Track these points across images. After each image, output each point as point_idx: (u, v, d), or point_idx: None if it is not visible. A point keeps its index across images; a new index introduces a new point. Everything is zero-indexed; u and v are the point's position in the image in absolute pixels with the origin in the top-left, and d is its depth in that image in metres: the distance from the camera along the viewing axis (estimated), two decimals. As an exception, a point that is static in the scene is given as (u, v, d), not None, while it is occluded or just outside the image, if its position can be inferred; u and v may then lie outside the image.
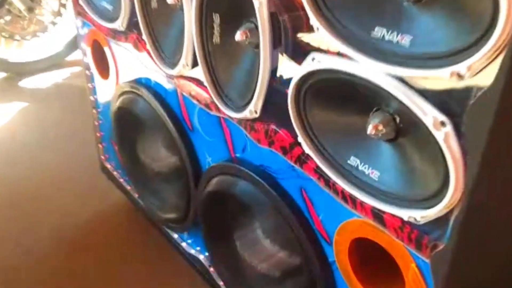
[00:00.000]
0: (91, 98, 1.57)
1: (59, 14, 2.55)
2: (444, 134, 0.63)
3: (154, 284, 1.42)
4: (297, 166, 0.90)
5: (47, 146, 2.02)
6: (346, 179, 0.81)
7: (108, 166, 1.65)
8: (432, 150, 0.66)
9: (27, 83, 2.49)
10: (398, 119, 0.72)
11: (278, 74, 0.87)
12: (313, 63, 0.75)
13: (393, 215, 0.76)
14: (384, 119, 0.72)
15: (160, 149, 1.33)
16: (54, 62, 2.56)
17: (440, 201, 0.67)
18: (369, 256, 0.90)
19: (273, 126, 0.92)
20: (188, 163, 1.18)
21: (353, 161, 0.80)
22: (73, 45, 2.48)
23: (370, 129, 0.73)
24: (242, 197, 1.02)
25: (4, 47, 2.49)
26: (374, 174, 0.77)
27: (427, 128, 0.64)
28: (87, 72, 1.53)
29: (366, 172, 0.78)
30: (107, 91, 1.45)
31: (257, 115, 0.92)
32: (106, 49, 1.36)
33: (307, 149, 0.85)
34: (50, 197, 1.75)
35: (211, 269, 1.30)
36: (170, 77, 1.13)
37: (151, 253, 1.53)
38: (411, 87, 0.66)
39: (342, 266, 0.90)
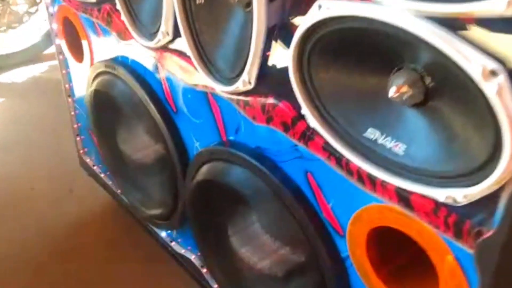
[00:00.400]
0: (66, 85, 1.42)
1: (34, 3, 2.39)
2: (496, 86, 0.48)
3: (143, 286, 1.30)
4: (301, 145, 0.75)
5: (25, 142, 1.87)
6: (363, 155, 0.67)
7: (88, 160, 1.50)
8: (477, 110, 0.52)
9: (3, 77, 2.33)
10: (427, 78, 0.58)
11: (275, 34, 0.72)
12: (320, 11, 0.61)
13: (424, 196, 0.61)
14: (409, 78, 0.58)
15: (142, 137, 1.18)
16: (32, 55, 2.39)
17: (489, 175, 0.53)
18: (392, 250, 0.76)
19: (271, 99, 0.77)
20: (173, 150, 1.04)
21: (371, 133, 0.65)
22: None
23: (392, 92, 0.59)
24: (237, 186, 0.88)
25: (-23, 40, 2.33)
26: (399, 148, 0.63)
27: (471, 81, 0.50)
28: (60, 56, 1.37)
29: (388, 146, 0.64)
30: (82, 76, 1.30)
31: (251, 86, 0.78)
32: (78, 26, 1.21)
33: (313, 122, 0.70)
34: (28, 196, 1.60)
35: (204, 270, 1.16)
36: (150, 51, 0.98)
37: (138, 254, 1.39)
38: (449, 29, 0.51)
39: (358, 263, 0.76)
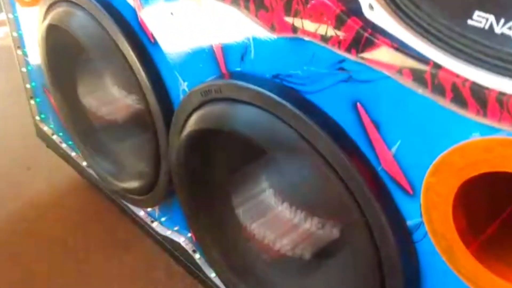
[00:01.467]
0: (14, 34, 1.14)
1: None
2: None
3: (124, 274, 1.07)
4: (352, 57, 0.49)
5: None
6: (467, 55, 0.41)
7: (45, 129, 1.23)
8: None
9: None
10: None
11: None
12: None
13: None
14: None
15: (111, 85, 0.90)
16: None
17: None
18: (486, 214, 0.51)
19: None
20: (151, 96, 0.77)
21: (480, 18, 0.40)
22: None
23: None
24: (246, 134, 0.62)
25: None
26: (535, 35, 0.37)
27: None
28: (3, -3, 1.09)
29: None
30: (33, 18, 1.01)
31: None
32: None
33: (378, 12, 0.44)
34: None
35: (197, 255, 0.90)
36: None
37: (112, 240, 1.15)
38: None
39: (439, 232, 0.51)
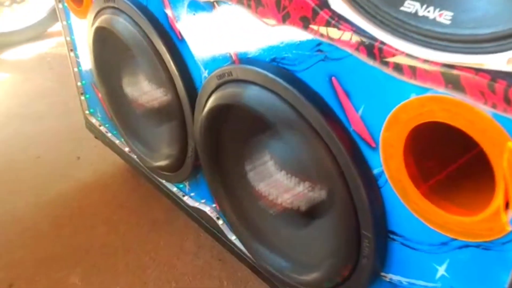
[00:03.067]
0: (67, 38, 1.33)
1: (38, -23, 2.32)
2: None
3: (160, 246, 1.24)
4: (325, 40, 0.64)
5: (31, 115, 1.80)
6: (401, 33, 0.56)
7: (94, 121, 1.41)
8: None
9: (8, 54, 2.26)
10: None
11: None
12: None
13: (477, 70, 0.50)
14: None
15: (148, 77, 1.07)
16: (37, 32, 2.32)
17: None
18: (434, 159, 0.65)
19: (287, -8, 0.67)
20: (179, 84, 0.94)
21: (409, 5, 0.55)
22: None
23: None
24: (253, 107, 0.77)
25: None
26: (444, 16, 0.52)
27: None
28: (59, 5, 1.28)
29: (432, 17, 0.53)
30: (83, 24, 1.20)
31: (264, -22, 0.67)
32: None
33: (339, 5, 0.59)
34: (35, 165, 1.53)
35: (220, 222, 1.06)
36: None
37: (151, 213, 1.33)
38: None
39: (395, 177, 0.65)
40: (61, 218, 1.33)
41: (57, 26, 2.34)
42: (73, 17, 1.27)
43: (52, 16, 2.30)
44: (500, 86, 0.49)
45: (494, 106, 0.50)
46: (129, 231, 1.28)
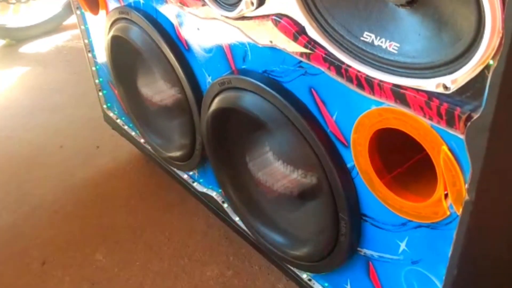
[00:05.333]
0: (85, 41, 1.47)
1: (53, -26, 2.45)
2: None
3: (173, 226, 1.39)
4: (304, 60, 0.78)
5: (51, 106, 1.94)
6: (361, 59, 0.70)
7: (111, 115, 1.56)
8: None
9: (26, 48, 2.40)
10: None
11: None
12: None
13: (418, 90, 0.65)
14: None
15: (160, 79, 1.22)
16: (53, 26, 2.46)
17: (474, 54, 0.56)
18: (394, 156, 0.79)
19: (273, 17, 0.80)
20: (187, 87, 1.08)
21: (367, 36, 0.68)
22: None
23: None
24: (248, 110, 0.92)
25: (0, 13, 2.39)
26: (393, 47, 0.66)
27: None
28: (77, 12, 1.42)
29: (384, 46, 0.67)
30: (100, 29, 1.35)
31: (254, 7, 0.81)
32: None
33: (313, 33, 0.73)
34: (58, 154, 1.69)
35: (225, 205, 1.21)
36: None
37: (164, 197, 1.47)
38: None
39: (363, 170, 0.80)
40: (85, 202, 1.49)
41: (71, 19, 2.48)
42: (90, 21, 1.41)
43: (66, 10, 2.45)
44: (434, 104, 0.63)
45: (430, 118, 0.65)
46: (146, 213, 1.43)
